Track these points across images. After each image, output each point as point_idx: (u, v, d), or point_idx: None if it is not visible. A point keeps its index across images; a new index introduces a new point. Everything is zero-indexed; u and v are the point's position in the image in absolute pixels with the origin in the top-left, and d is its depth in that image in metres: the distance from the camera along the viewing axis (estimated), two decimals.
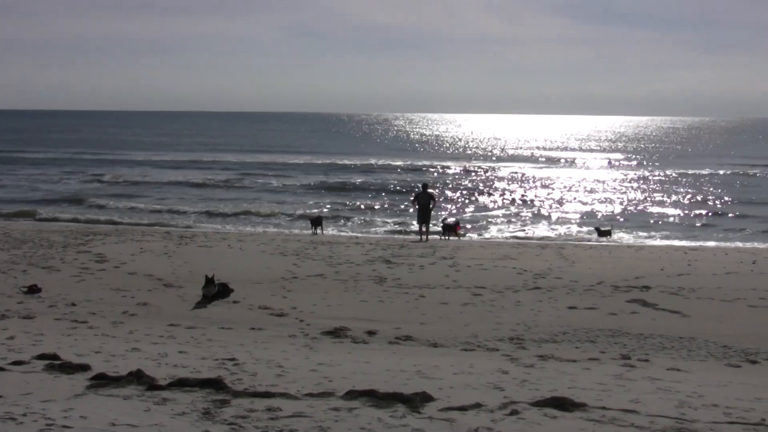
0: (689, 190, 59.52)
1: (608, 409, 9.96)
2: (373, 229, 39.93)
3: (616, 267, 25.28)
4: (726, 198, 54.31)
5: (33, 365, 11.65)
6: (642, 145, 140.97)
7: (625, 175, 73.74)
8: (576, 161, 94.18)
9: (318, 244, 29.90)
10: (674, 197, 55.05)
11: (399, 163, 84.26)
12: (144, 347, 13.79)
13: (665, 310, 18.83)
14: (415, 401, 9.99)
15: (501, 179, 68.49)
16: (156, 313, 17.92)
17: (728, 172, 74.60)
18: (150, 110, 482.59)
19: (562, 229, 40.57)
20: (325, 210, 44.78)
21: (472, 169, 78.17)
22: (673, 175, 72.35)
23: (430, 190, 35.17)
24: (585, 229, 39.76)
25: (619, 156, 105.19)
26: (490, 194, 56.91)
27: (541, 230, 40.11)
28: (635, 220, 44.76)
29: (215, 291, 19.40)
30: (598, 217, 45.64)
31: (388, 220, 42.97)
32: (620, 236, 37.43)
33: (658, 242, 36.04)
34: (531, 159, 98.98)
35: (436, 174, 72.33)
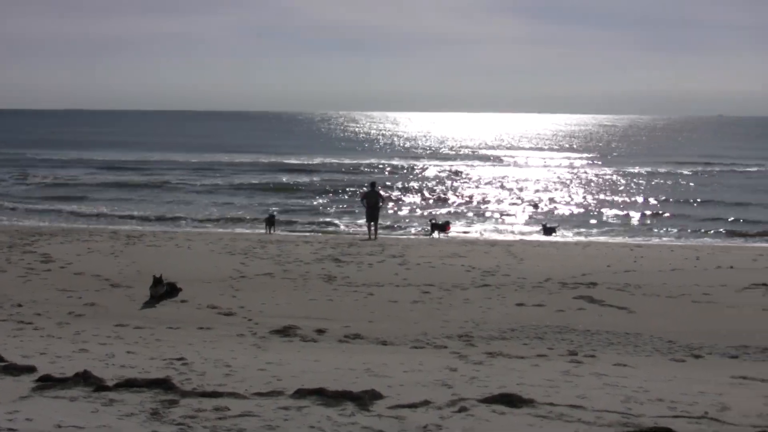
0: (637, 188, 60.21)
1: (556, 405, 10.06)
2: (322, 227, 39.84)
3: (563, 264, 25.49)
4: (671, 196, 55.04)
5: None
6: (592, 144, 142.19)
7: (574, 172, 74.42)
8: (526, 159, 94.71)
9: (267, 243, 29.79)
10: (622, 195, 55.66)
11: (347, 161, 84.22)
12: (91, 348, 13.66)
13: (612, 307, 19.03)
14: (365, 399, 10.01)
15: (449, 177, 68.73)
16: (103, 314, 17.74)
17: (674, 171, 75.52)
18: (103, 109, 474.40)
19: (509, 227, 40.85)
20: (275, 209, 44.39)
21: (424, 167, 78.22)
22: (621, 172, 73.16)
23: (377, 189, 35.48)
24: (533, 228, 39.93)
25: (569, 154, 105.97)
26: (437, 192, 57.08)
27: (488, 228, 40.36)
28: (582, 217, 45.24)
29: (163, 291, 19.28)
30: (545, 214, 46.01)
31: (337, 220, 42.96)
32: (565, 234, 37.76)
33: (605, 239, 36.42)
34: (482, 157, 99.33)
35: (386, 173, 72.43)
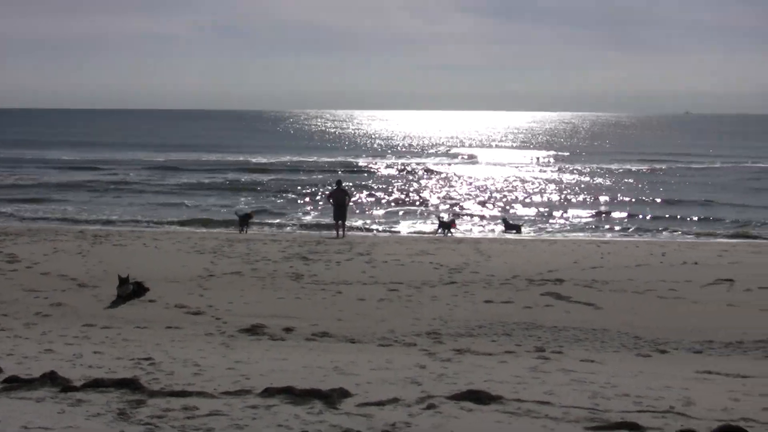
0: (602, 185, 60.61)
1: (523, 401, 10.13)
2: (290, 226, 39.74)
3: (530, 261, 25.62)
4: (636, 192, 55.46)
5: None
6: (556, 141, 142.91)
7: (539, 170, 74.78)
8: (490, 157, 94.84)
9: (235, 242, 29.69)
10: (587, 192, 55.99)
11: (314, 159, 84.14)
12: (58, 348, 13.58)
13: (579, 303, 19.16)
14: (333, 397, 10.03)
15: (415, 175, 68.76)
16: (70, 314, 17.62)
17: (641, 168, 76.12)
18: (70, 108, 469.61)
19: (476, 225, 40.97)
20: (245, 207, 43.95)
21: (390, 165, 78.19)
22: (586, 169, 73.59)
23: (344, 186, 35.62)
24: (496, 227, 39.83)
25: (535, 152, 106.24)
26: (404, 190, 57.10)
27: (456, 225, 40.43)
28: (548, 214, 45.38)
29: (130, 290, 19.18)
30: (509, 212, 46.13)
31: (305, 218, 42.89)
32: (531, 231, 37.93)
33: (572, 236, 36.62)
34: (447, 155, 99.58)
35: (353, 171, 72.34)
